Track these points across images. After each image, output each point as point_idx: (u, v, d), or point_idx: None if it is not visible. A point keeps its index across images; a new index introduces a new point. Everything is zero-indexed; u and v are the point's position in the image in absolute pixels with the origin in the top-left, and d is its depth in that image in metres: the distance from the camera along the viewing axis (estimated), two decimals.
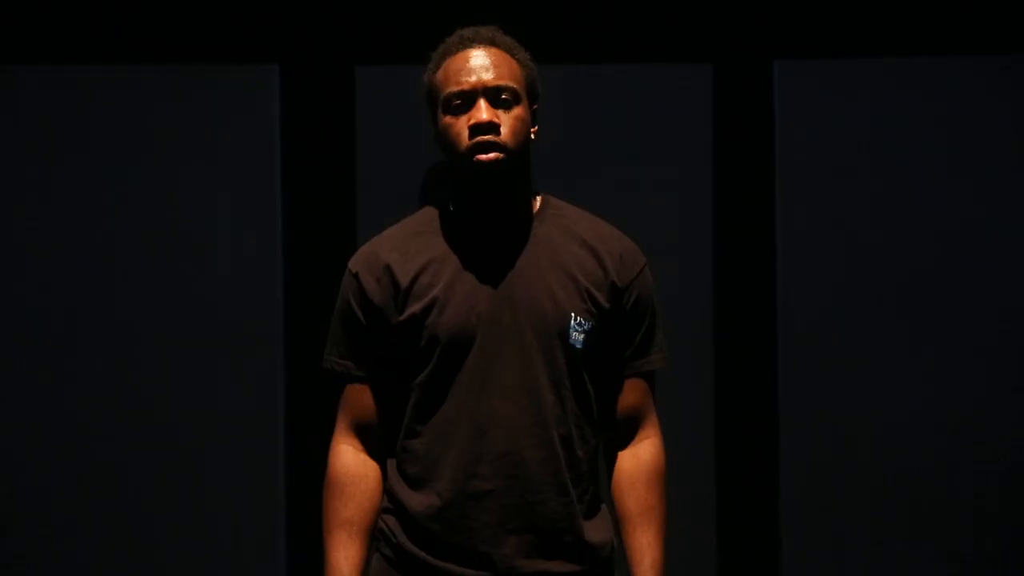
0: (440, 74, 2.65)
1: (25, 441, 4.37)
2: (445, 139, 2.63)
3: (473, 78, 2.61)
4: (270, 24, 4.41)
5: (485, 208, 2.66)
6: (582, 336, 2.64)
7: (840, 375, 4.44)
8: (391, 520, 2.69)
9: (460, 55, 2.64)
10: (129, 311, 4.37)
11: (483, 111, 2.59)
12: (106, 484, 4.37)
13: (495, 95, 2.61)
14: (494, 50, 2.65)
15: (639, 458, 2.71)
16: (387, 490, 2.71)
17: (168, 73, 4.37)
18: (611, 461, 2.75)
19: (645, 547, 2.68)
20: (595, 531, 2.69)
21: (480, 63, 2.62)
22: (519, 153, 2.62)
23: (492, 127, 2.58)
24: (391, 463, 2.71)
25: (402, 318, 2.64)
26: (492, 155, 2.58)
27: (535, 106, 2.70)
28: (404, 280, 2.65)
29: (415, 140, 4.30)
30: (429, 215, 2.74)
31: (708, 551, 4.44)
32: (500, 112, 2.60)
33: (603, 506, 2.75)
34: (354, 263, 2.72)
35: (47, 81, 4.38)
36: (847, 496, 4.45)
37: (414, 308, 2.63)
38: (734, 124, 4.43)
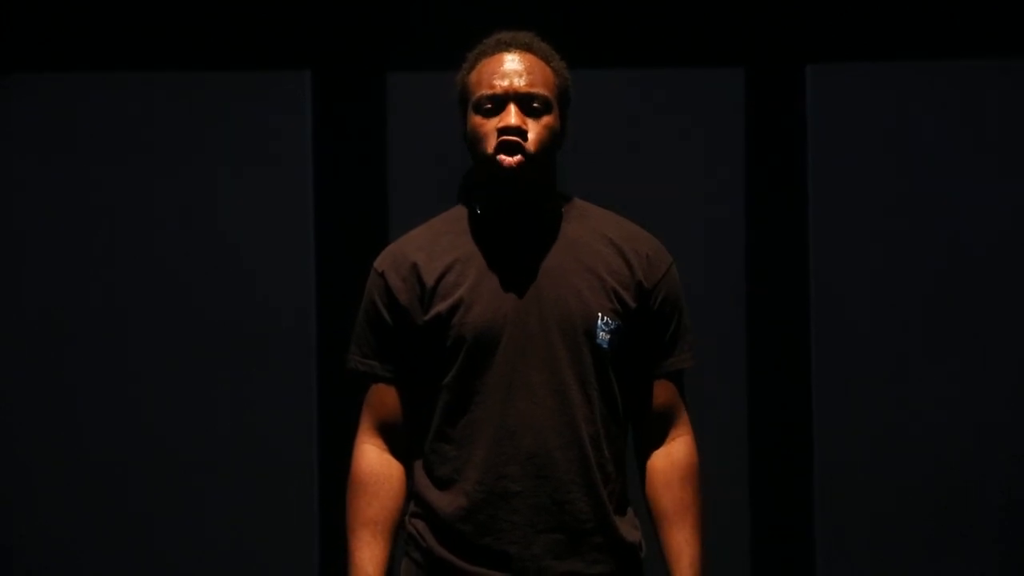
0: (474, 75, 2.66)
1: (65, 441, 4.40)
2: (472, 139, 2.64)
3: (506, 82, 2.62)
4: (302, 30, 4.43)
5: (509, 211, 2.67)
6: (609, 336, 2.63)
7: (874, 376, 4.42)
8: (420, 524, 2.69)
9: (495, 58, 2.65)
10: (162, 314, 4.39)
11: (512, 116, 2.59)
12: (138, 485, 4.39)
13: (526, 102, 2.62)
14: (529, 56, 2.65)
15: (672, 457, 2.71)
16: (415, 493, 2.71)
17: (201, 79, 4.40)
18: (643, 462, 2.74)
19: (683, 544, 2.67)
20: (625, 530, 2.68)
21: (514, 68, 2.63)
22: (543, 161, 2.62)
23: (519, 132, 2.59)
24: (418, 465, 2.71)
25: (427, 318, 2.64)
26: (516, 159, 2.59)
27: (566, 115, 2.70)
28: (430, 280, 2.65)
29: (447, 146, 4.30)
30: (455, 215, 2.74)
31: (742, 555, 4.43)
32: (529, 120, 2.61)
33: (631, 510, 2.74)
34: (380, 262, 2.73)
35: (80, 87, 4.41)
36: (882, 497, 4.43)
37: (440, 308, 2.63)
38: (766, 128, 4.42)
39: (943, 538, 4.42)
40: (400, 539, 2.75)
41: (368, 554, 2.67)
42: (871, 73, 4.41)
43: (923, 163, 4.41)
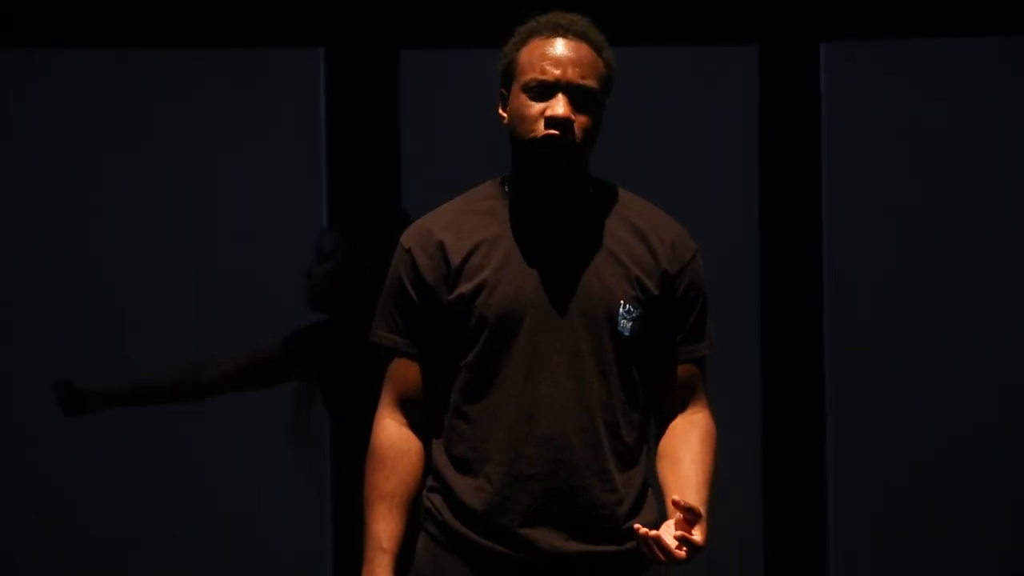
0: (525, 53, 2.63)
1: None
2: (516, 118, 2.63)
3: (559, 71, 2.60)
4: (316, 8, 4.43)
5: (540, 193, 2.67)
6: (630, 323, 2.64)
7: (887, 359, 4.43)
8: (437, 499, 2.71)
9: (549, 41, 2.62)
10: (174, 294, 4.40)
11: (561, 105, 2.58)
12: (157, 452, 4.41)
13: (577, 94, 2.60)
14: (584, 46, 2.62)
15: (692, 419, 2.71)
16: (433, 469, 2.72)
17: (215, 57, 4.40)
18: (660, 440, 2.74)
19: (692, 475, 2.63)
20: (642, 517, 2.68)
21: (569, 56, 2.60)
22: (585, 153, 2.63)
23: (566, 124, 2.59)
24: (436, 443, 2.72)
25: (451, 297, 2.65)
26: (562, 153, 2.59)
27: (605, 104, 2.70)
28: (456, 259, 2.66)
29: (460, 124, 4.31)
30: (484, 193, 2.74)
31: (755, 544, 4.44)
32: (577, 113, 2.61)
33: (650, 493, 2.74)
34: (407, 238, 2.73)
35: (91, 64, 4.41)
36: (895, 487, 4.44)
37: (464, 288, 2.64)
38: (780, 106, 4.42)
39: (955, 523, 4.43)
40: (417, 513, 2.76)
41: (384, 527, 2.69)
42: (886, 51, 4.41)
43: (938, 143, 4.41)
